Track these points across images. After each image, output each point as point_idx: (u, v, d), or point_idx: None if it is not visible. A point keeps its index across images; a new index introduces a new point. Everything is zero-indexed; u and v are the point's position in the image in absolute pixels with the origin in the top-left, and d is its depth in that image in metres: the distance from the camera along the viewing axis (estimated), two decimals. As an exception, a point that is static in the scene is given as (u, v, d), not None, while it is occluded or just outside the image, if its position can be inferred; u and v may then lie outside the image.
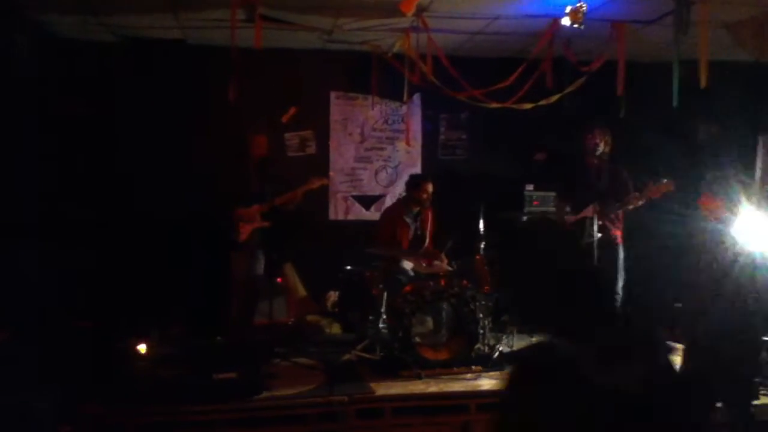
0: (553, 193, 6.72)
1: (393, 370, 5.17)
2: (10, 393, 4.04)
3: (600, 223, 5.62)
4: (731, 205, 3.89)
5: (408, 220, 6.16)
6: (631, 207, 5.65)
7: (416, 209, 6.18)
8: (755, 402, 5.16)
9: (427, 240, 6.22)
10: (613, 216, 5.76)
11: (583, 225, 5.66)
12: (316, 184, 6.21)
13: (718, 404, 3.90)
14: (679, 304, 3.93)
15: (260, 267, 6.23)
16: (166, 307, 6.05)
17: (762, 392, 5.28)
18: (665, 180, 5.33)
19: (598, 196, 5.64)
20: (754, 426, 3.88)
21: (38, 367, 4.34)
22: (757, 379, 4.45)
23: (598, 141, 5.73)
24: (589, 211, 5.65)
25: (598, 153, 5.76)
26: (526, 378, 1.71)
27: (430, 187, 6.06)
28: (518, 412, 1.68)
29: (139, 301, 5.85)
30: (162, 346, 5.24)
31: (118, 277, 6.06)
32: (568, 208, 6.10)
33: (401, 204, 6.35)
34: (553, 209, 6.69)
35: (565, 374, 1.64)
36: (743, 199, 3.89)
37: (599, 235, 5.59)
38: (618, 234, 5.81)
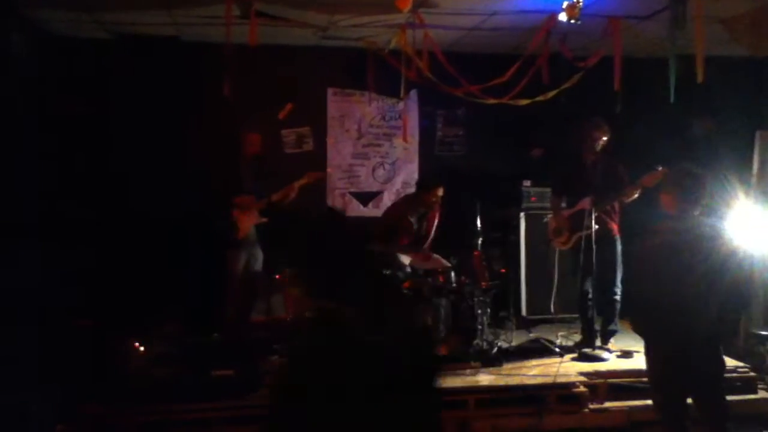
0: (549, 189, 6.72)
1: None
2: (9, 392, 4.04)
3: (596, 215, 5.62)
4: (685, 201, 3.82)
5: (412, 219, 6.12)
6: (626, 198, 5.64)
7: (422, 210, 6.15)
8: (753, 396, 5.21)
9: (428, 242, 6.19)
10: (609, 208, 5.76)
11: (581, 218, 5.66)
12: (312, 178, 6.21)
13: (690, 400, 3.89)
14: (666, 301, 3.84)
15: (258, 264, 6.23)
16: (162, 306, 6.05)
17: (760, 386, 5.34)
18: (659, 168, 5.20)
19: (594, 190, 5.64)
20: (724, 419, 3.83)
21: (38, 366, 4.34)
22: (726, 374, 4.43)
23: (598, 138, 5.73)
24: (585, 204, 5.64)
25: (597, 149, 5.76)
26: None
27: (440, 192, 5.98)
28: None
29: (136, 300, 5.85)
30: (159, 345, 5.24)
31: (116, 275, 6.06)
32: (563, 204, 6.11)
33: (408, 202, 6.31)
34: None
35: (340, 335, 1.96)
36: (704, 194, 3.83)
37: (596, 227, 5.58)
38: (615, 227, 5.81)
